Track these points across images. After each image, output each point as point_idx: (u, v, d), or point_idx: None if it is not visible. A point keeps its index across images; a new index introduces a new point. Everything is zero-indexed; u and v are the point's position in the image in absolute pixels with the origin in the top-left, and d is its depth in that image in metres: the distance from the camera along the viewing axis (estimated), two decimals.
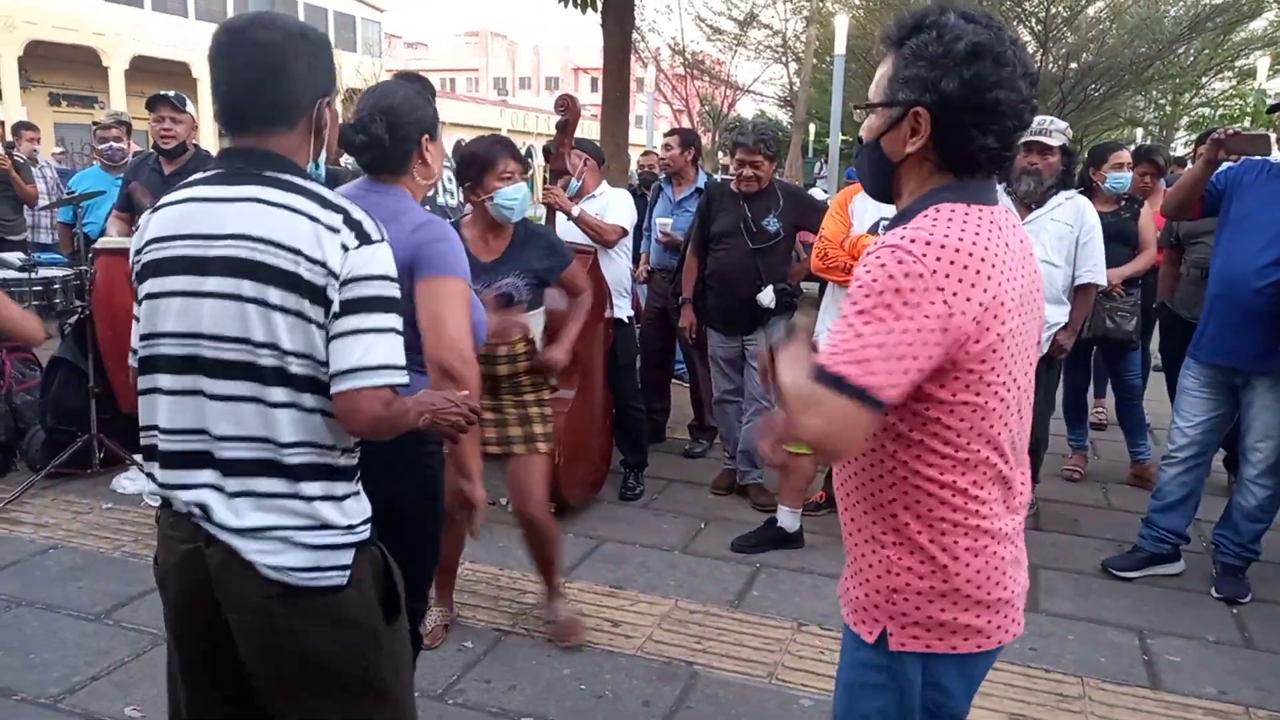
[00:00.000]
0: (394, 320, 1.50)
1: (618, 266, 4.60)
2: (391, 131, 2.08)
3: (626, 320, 4.70)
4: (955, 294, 1.26)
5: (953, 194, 1.36)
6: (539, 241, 3.11)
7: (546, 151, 4.39)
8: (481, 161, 2.89)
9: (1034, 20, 20.00)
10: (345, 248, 1.46)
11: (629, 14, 7.91)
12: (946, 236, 1.28)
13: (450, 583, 3.24)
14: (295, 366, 1.46)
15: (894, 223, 1.41)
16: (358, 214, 1.51)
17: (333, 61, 1.62)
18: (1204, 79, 26.49)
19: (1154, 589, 3.66)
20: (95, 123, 7.46)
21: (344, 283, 1.46)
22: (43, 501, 4.28)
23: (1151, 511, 3.79)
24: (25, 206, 7.35)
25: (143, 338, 1.56)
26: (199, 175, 1.56)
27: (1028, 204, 4.04)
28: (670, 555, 3.88)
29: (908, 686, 1.42)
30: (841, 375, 1.23)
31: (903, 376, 1.25)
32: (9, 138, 8.43)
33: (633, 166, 8.62)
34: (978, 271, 1.28)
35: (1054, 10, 19.46)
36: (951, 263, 1.26)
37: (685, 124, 24.69)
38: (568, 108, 4.21)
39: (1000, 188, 4.31)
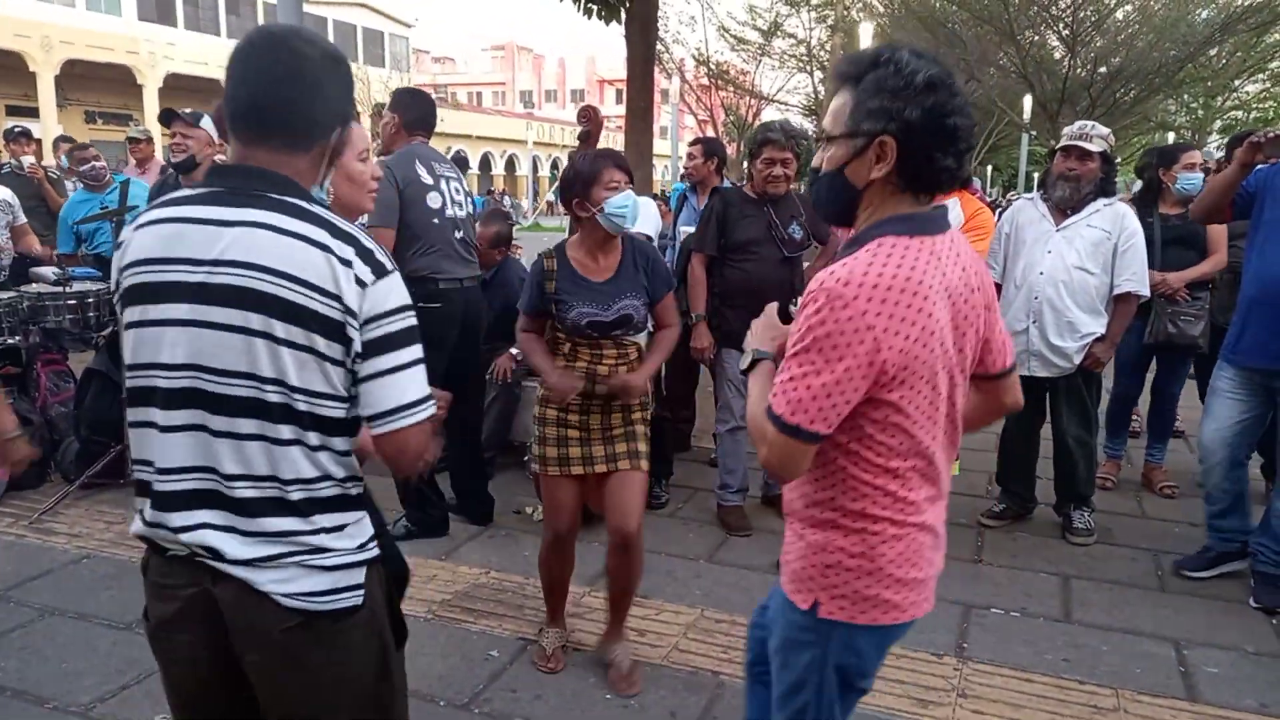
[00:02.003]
0: (419, 350, 1.49)
1: None
2: None
3: (650, 330, 4.68)
4: (885, 330, 1.41)
5: (900, 226, 1.49)
6: (646, 257, 3.00)
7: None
8: (586, 176, 2.82)
9: (1061, 25, 19.82)
10: (362, 283, 1.41)
11: (653, 25, 7.95)
12: (880, 274, 1.42)
13: (563, 604, 3.16)
14: (301, 404, 1.41)
15: (846, 249, 1.53)
16: (368, 242, 1.45)
17: (354, 88, 1.58)
18: (1236, 81, 26.11)
19: (1191, 599, 3.59)
20: (129, 137, 7.59)
21: (365, 322, 1.41)
22: (76, 512, 4.34)
23: (1210, 518, 3.78)
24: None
25: (131, 368, 1.47)
26: (191, 193, 1.47)
27: (1063, 210, 3.99)
28: (696, 564, 3.86)
29: (828, 647, 1.62)
30: (779, 415, 1.46)
31: (832, 412, 1.45)
32: (45, 154, 8.62)
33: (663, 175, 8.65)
34: (908, 306, 1.42)
35: (1082, 14, 19.25)
36: (883, 300, 1.41)
37: (710, 134, 24.73)
38: (590, 119, 4.24)
39: (1035, 194, 4.31)
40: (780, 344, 1.60)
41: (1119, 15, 20.51)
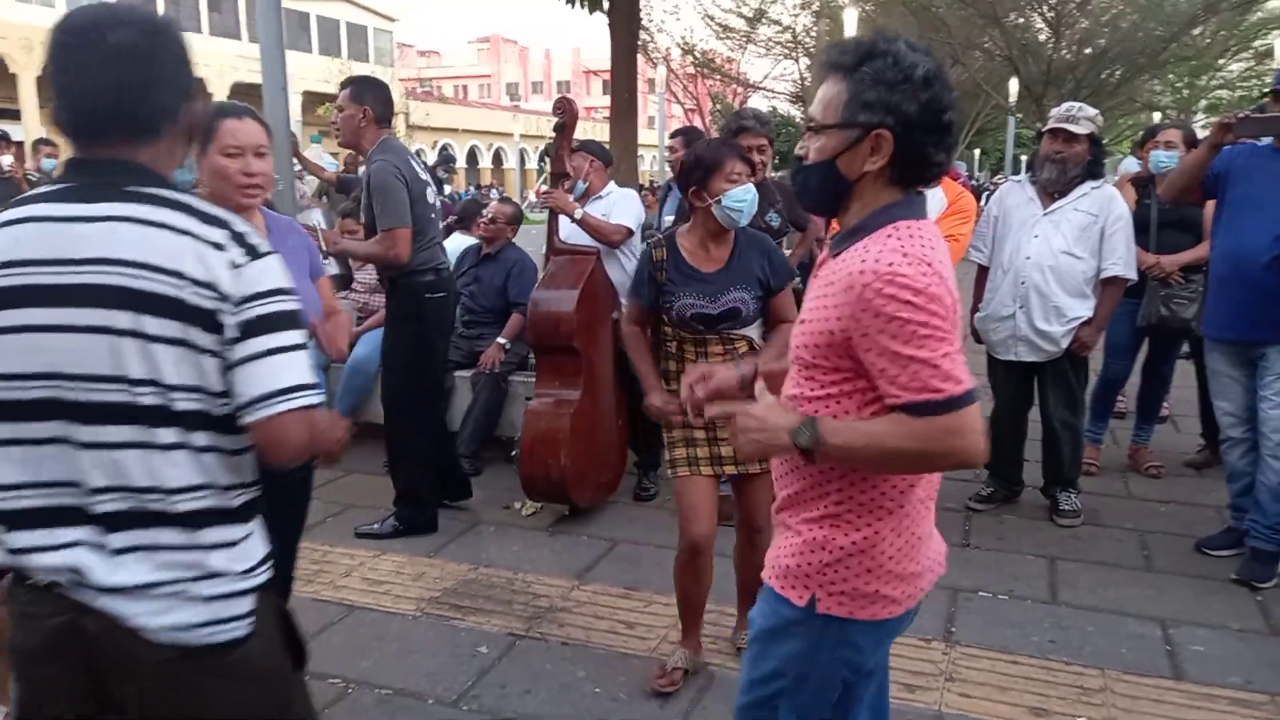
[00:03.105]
0: (299, 336, 1.39)
1: (627, 267, 4.60)
2: None
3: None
4: (946, 293, 1.42)
5: (905, 210, 1.50)
6: (764, 247, 2.89)
7: (546, 154, 4.39)
8: (708, 164, 2.72)
9: (1046, 7, 19.84)
10: (234, 265, 1.32)
11: (636, 14, 7.91)
12: (928, 253, 1.44)
13: (699, 622, 2.98)
14: (182, 403, 1.32)
15: (849, 236, 1.53)
16: (240, 226, 1.38)
17: (190, 53, 1.43)
18: (1221, 61, 26.17)
19: (1177, 578, 3.61)
20: None
21: (239, 303, 1.32)
22: None
23: (1234, 496, 3.81)
24: None
25: None
26: (47, 190, 1.37)
27: (1050, 193, 3.99)
28: None
29: (823, 643, 1.60)
30: (955, 394, 1.38)
31: (964, 367, 1.41)
32: (28, 156, 8.55)
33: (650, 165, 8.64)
34: (939, 274, 1.43)
35: None
36: (939, 275, 1.42)
37: (697, 123, 24.67)
38: (565, 110, 4.21)
39: (1023, 177, 4.30)
40: (795, 420, 1.50)
41: None
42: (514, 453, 4.61)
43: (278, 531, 2.25)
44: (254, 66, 6.42)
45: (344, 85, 3.97)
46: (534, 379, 4.48)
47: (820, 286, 1.55)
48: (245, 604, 1.41)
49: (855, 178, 1.51)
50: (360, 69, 33.30)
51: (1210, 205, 4.43)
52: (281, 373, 1.35)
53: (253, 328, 1.33)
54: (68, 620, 1.35)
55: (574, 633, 3.21)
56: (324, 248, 3.67)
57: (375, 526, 4.08)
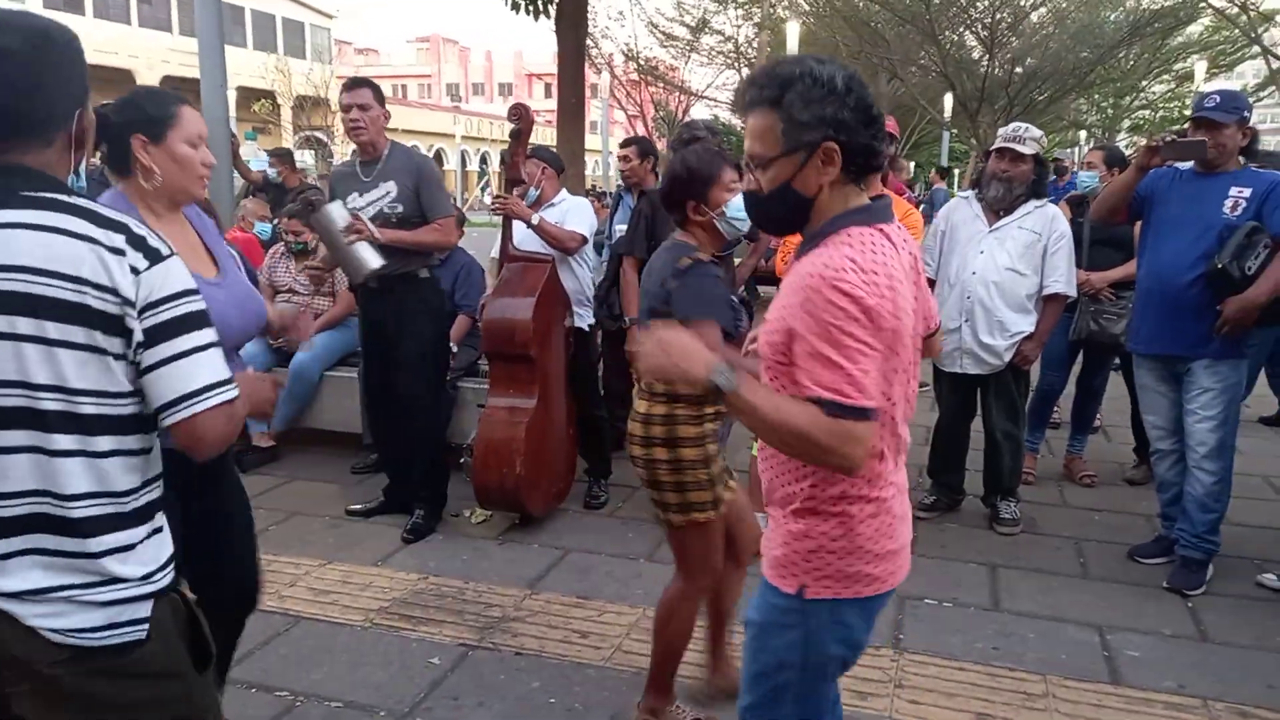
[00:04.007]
0: (209, 334, 1.43)
1: (579, 275, 4.59)
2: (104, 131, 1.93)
3: (588, 329, 4.68)
4: (887, 311, 1.50)
5: (859, 217, 1.59)
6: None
7: (502, 160, 4.37)
8: (704, 176, 2.55)
9: (980, 26, 20.38)
10: (135, 270, 1.34)
11: (583, 20, 7.90)
12: (879, 264, 1.51)
13: (723, 641, 2.86)
14: (88, 407, 1.34)
15: (808, 243, 1.62)
16: (139, 229, 1.38)
17: (84, 60, 1.42)
18: (1144, 82, 27.19)
19: (1112, 585, 3.73)
20: None
21: (143, 310, 1.34)
22: None
23: (1164, 506, 3.94)
24: None
25: None
26: None
27: (996, 210, 4.10)
28: (637, 564, 3.87)
29: (816, 627, 1.70)
30: (854, 404, 1.47)
31: (878, 386, 1.52)
32: None
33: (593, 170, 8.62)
34: (889, 285, 1.51)
35: (999, 16, 19.84)
36: (877, 284, 1.49)
37: (640, 129, 24.75)
38: (521, 116, 4.19)
39: (970, 193, 4.41)
40: (718, 358, 1.55)
41: (1034, 18, 21.17)
42: (463, 460, 4.56)
43: (229, 545, 2.22)
44: (185, 60, 6.25)
45: (356, 85, 4.00)
46: (484, 385, 4.45)
47: (781, 293, 1.64)
48: (144, 609, 1.42)
49: (814, 193, 1.60)
50: (297, 65, 32.72)
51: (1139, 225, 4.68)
52: (196, 372, 1.39)
53: (161, 332, 1.36)
54: None
55: (528, 642, 3.18)
56: (377, 237, 3.80)
57: (409, 530, 4.13)
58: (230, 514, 2.25)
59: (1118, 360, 5.09)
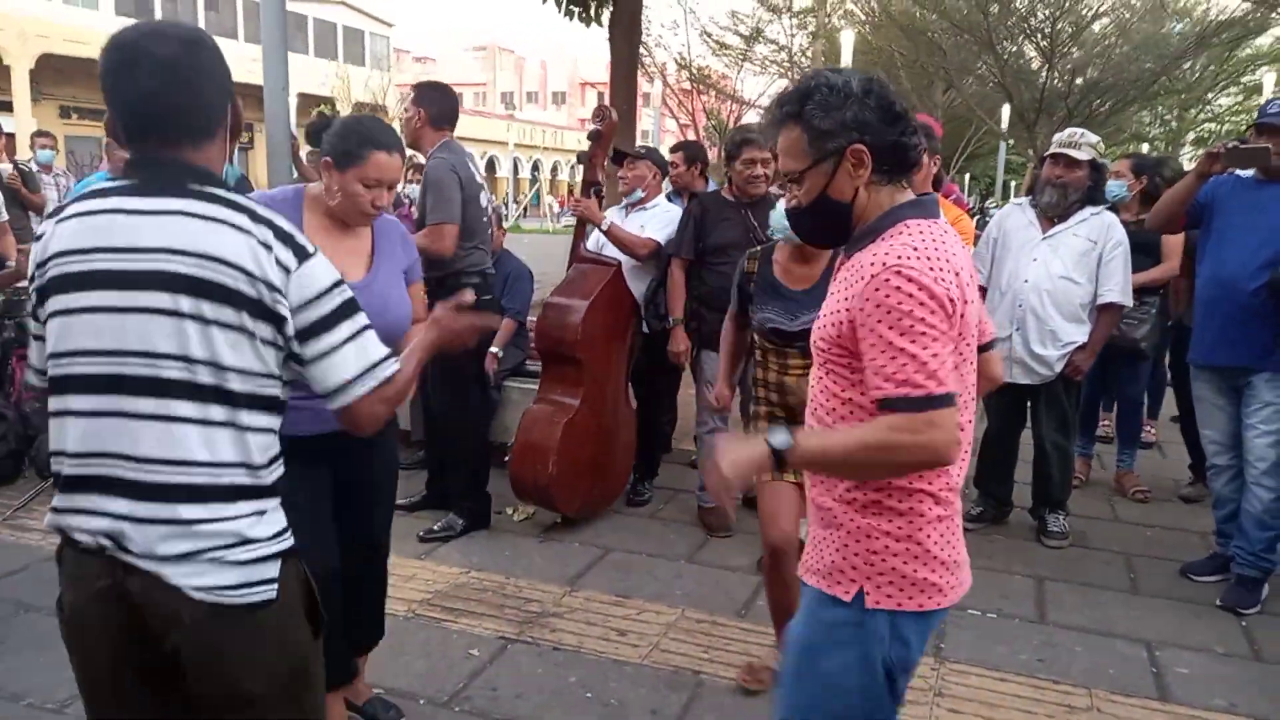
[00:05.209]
0: (362, 318, 1.55)
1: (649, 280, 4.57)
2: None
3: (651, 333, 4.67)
4: (955, 297, 1.49)
5: (914, 210, 1.58)
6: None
7: (579, 160, 4.37)
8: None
9: (1039, 36, 20.04)
10: (285, 268, 1.45)
11: (636, 29, 7.97)
12: (940, 250, 1.50)
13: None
14: (236, 383, 1.44)
15: (860, 239, 1.60)
16: (286, 225, 1.49)
17: (224, 58, 1.55)
18: (1210, 94, 26.48)
19: (1162, 601, 3.65)
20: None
21: (298, 308, 1.47)
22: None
23: (1220, 522, 3.85)
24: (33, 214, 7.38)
25: (53, 356, 1.48)
26: (112, 185, 1.50)
27: (1050, 217, 4.03)
28: (677, 564, 3.87)
29: (874, 642, 1.60)
30: (933, 393, 1.43)
31: (954, 371, 1.49)
32: (17, 150, 8.50)
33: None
34: (954, 272, 1.50)
35: (1060, 26, 19.49)
36: (942, 270, 1.48)
37: (691, 138, 24.76)
38: (604, 118, 4.15)
39: (1024, 200, 4.35)
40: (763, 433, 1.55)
41: (1095, 28, 20.77)
42: (507, 458, 4.60)
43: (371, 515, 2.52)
44: (250, 67, 6.41)
45: (414, 89, 4.08)
46: (530, 384, 4.48)
47: (836, 286, 1.63)
48: (273, 569, 1.50)
49: (851, 198, 1.60)
50: (356, 73, 33.36)
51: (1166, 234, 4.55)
52: (352, 360, 1.52)
53: (319, 327, 1.49)
54: (114, 583, 1.45)
55: (566, 638, 3.21)
56: None
57: (436, 528, 4.11)
58: (379, 484, 2.54)
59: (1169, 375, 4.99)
